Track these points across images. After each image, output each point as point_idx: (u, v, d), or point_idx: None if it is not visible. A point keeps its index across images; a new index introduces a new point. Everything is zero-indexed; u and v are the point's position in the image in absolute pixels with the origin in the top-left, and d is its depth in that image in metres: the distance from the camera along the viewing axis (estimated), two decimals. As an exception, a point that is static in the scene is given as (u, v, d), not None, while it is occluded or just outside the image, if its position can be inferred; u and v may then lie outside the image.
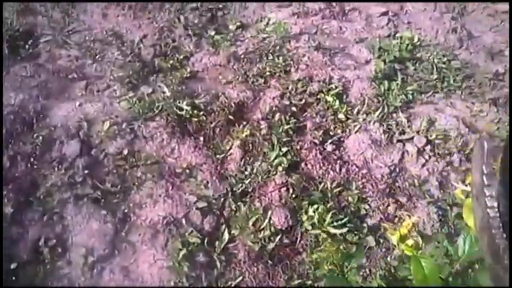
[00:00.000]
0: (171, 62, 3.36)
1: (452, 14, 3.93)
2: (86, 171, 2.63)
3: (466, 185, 0.91)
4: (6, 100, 2.96)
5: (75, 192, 2.55)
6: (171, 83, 3.22)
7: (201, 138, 2.88)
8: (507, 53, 3.63)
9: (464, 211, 0.95)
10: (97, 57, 3.37)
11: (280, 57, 3.40)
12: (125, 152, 2.75)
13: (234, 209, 2.50)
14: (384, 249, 2.33)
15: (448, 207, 2.50)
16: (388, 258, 2.29)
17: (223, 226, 2.44)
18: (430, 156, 2.77)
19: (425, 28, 3.78)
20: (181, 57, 3.42)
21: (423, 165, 2.72)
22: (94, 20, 3.70)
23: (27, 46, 3.41)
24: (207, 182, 2.63)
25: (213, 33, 3.57)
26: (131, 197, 2.59)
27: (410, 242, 1.04)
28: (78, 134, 2.82)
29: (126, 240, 2.42)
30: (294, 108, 3.05)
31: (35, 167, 2.65)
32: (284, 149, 2.76)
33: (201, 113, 2.98)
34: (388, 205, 2.48)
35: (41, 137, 2.78)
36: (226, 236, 2.38)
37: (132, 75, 3.22)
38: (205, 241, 2.37)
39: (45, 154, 2.72)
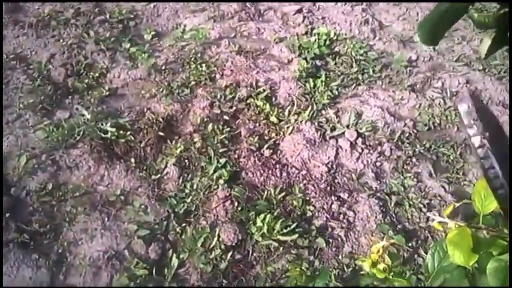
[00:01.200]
0: (86, 81, 3.13)
1: (361, 6, 4.08)
2: (8, 214, 2.35)
3: (444, 217, 0.90)
4: None
5: (-2, 240, 2.28)
6: (89, 104, 3.00)
7: (132, 160, 2.71)
8: (416, 39, 3.84)
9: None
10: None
11: (203, 65, 3.31)
12: (49, 186, 2.52)
13: (179, 231, 2.38)
14: (334, 249, 2.36)
15: (387, 197, 2.59)
16: (340, 257, 2.32)
17: (170, 251, 2.31)
18: (362, 149, 2.85)
19: (339, 22, 3.89)
20: (97, 74, 3.20)
21: (358, 159, 2.79)
22: (-9, 42, 3.33)
23: None
24: (146, 207, 2.48)
25: (128, 45, 3.37)
26: (64, 234, 2.37)
27: (381, 266, 1.03)
28: (-9, 174, 2.52)
29: (66, 284, 2.20)
30: (225, 117, 2.98)
31: None
32: (222, 161, 2.68)
33: (128, 133, 2.81)
34: (332, 203, 2.51)
35: None
36: (175, 261, 2.26)
37: (45, 101, 2.95)
38: (154, 271, 2.23)
39: (-47, 202, 2.39)
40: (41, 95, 2.98)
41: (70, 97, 3.05)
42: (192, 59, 3.35)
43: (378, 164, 2.81)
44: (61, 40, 3.37)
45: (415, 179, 2.71)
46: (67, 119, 2.87)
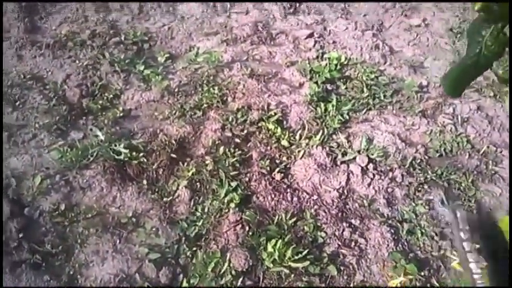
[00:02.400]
0: (101, 102, 3.17)
1: (372, 31, 4.13)
2: (21, 235, 2.37)
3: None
4: None
5: (11, 259, 2.29)
6: (103, 125, 3.04)
7: (144, 182, 2.73)
8: (426, 64, 3.88)
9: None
10: (17, 104, 3.09)
11: (216, 87, 3.35)
12: (62, 207, 2.54)
13: (190, 255, 2.39)
14: (345, 277, 2.34)
15: (399, 224, 2.58)
16: (351, 285, 2.30)
17: (181, 276, 2.31)
18: (374, 175, 2.85)
19: (350, 47, 3.93)
20: (111, 95, 3.25)
21: (369, 185, 2.79)
22: (8, 63, 3.40)
23: None
24: (157, 230, 2.49)
25: (142, 67, 3.43)
26: (76, 256, 2.38)
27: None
28: (7, 193, 2.55)
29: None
30: (237, 140, 3.01)
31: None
32: (233, 184, 2.69)
33: (141, 154, 2.83)
34: (343, 230, 2.50)
35: (-40, 203, 2.48)
36: (185, 286, 2.25)
37: (59, 121, 3.00)
38: (164, 295, 2.23)
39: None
40: (56, 115, 3.02)
41: (84, 118, 3.09)
42: (205, 82, 3.40)
43: (390, 190, 2.80)
44: (77, 61, 3.43)
45: (427, 206, 2.70)
46: (81, 140, 2.91)
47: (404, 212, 2.67)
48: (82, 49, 3.54)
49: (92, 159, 2.76)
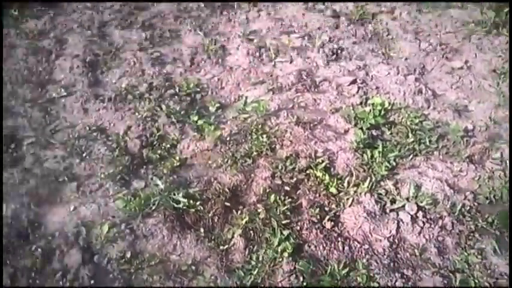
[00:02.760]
0: (159, 151, 3.41)
1: (414, 75, 4.23)
2: (92, 281, 2.58)
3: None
4: (-4, 212, 2.91)
5: (83, 307, 2.49)
6: (162, 174, 3.26)
7: (201, 230, 2.90)
8: (471, 108, 3.92)
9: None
10: (84, 155, 3.37)
11: (264, 136, 3.53)
12: (128, 254, 2.73)
13: (248, 304, 2.51)
14: (399, 327, 2.39)
15: (451, 275, 2.61)
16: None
17: (240, 324, 2.43)
18: (423, 223, 2.90)
19: (392, 92, 4.04)
20: (168, 145, 3.48)
21: (419, 233, 2.85)
22: (75, 116, 3.72)
23: (10, 150, 3.37)
24: (216, 278, 2.64)
25: (195, 118, 3.66)
26: (141, 303, 2.55)
27: None
28: (78, 241, 2.78)
29: None
30: (286, 187, 3.15)
31: (37, 282, 2.58)
32: (285, 232, 2.82)
33: (197, 203, 3.02)
34: (396, 280, 2.56)
35: (39, 249, 2.73)
36: (244, 334, 2.37)
37: (123, 171, 3.24)
38: None
39: (46, 267, 2.66)
40: (119, 165, 3.27)
41: (145, 167, 3.33)
42: (254, 130, 3.58)
43: (440, 238, 2.84)
44: (136, 113, 3.71)
45: (479, 256, 2.72)
46: (143, 189, 3.13)
47: (456, 261, 2.70)
48: (141, 101, 3.82)
49: (153, 208, 2.97)
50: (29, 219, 2.92)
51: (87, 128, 3.59)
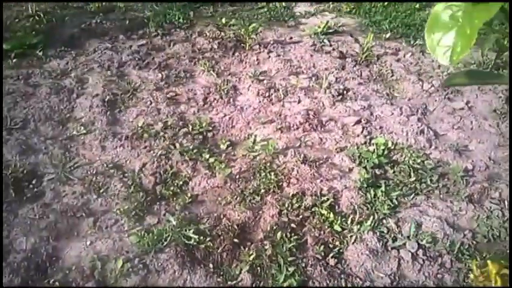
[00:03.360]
0: (172, 188, 3.59)
1: (417, 116, 4.41)
2: (106, 315, 2.72)
3: None
4: (17, 246, 3.09)
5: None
6: (174, 210, 3.43)
7: (211, 265, 3.05)
8: (471, 147, 4.07)
9: None
10: (101, 191, 3.57)
11: (272, 173, 3.70)
12: (140, 288, 2.88)
13: (254, 338, 2.62)
14: None
15: (450, 313, 2.72)
16: None
17: None
18: (423, 260, 3.01)
19: (396, 132, 4.21)
20: (181, 182, 3.67)
21: (419, 270, 2.96)
22: (93, 153, 3.94)
23: (31, 186, 3.59)
24: (224, 312, 2.76)
25: (207, 156, 3.85)
26: (152, 336, 2.68)
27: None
28: (93, 275, 2.94)
29: None
30: (293, 225, 3.29)
31: (54, 315, 2.73)
32: (291, 269, 2.95)
33: (207, 239, 3.17)
34: (396, 318, 2.67)
35: (57, 282, 2.89)
36: None
37: (137, 207, 3.42)
38: None
39: (62, 300, 2.81)
40: (134, 201, 3.45)
41: (158, 203, 3.50)
42: (262, 168, 3.76)
43: (439, 276, 2.95)
44: (151, 151, 3.93)
45: (477, 294, 2.82)
46: (156, 225, 3.30)
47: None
48: (156, 139, 4.04)
49: (165, 243, 3.13)
50: (48, 253, 3.09)
51: (105, 165, 3.80)
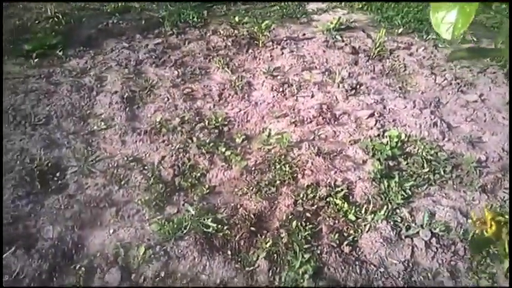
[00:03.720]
0: (190, 180, 3.71)
1: (430, 109, 4.46)
2: (129, 300, 2.84)
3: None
4: (44, 234, 3.24)
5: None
6: (193, 200, 3.54)
7: (229, 252, 3.15)
8: (485, 139, 4.11)
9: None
10: (122, 182, 3.69)
11: (287, 166, 3.79)
12: (162, 274, 2.99)
13: (272, 321, 2.72)
14: None
15: (463, 298, 2.78)
16: None
17: None
18: (437, 248, 3.08)
19: (409, 124, 4.27)
20: (199, 174, 3.78)
21: (433, 258, 3.02)
22: (114, 147, 4.08)
23: (55, 178, 3.73)
24: (242, 297, 2.86)
25: (223, 149, 3.96)
26: (173, 319, 2.79)
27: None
28: (117, 261, 3.07)
29: None
30: (308, 214, 3.38)
31: (80, 298, 2.86)
32: (306, 256, 3.04)
33: (225, 227, 3.28)
34: (410, 301, 2.74)
35: (82, 268, 3.02)
36: None
37: (157, 197, 3.54)
38: None
39: (88, 284, 2.94)
40: (154, 192, 3.57)
41: (177, 194, 3.62)
42: (277, 161, 3.85)
43: (453, 263, 3.01)
44: (170, 145, 4.05)
45: (490, 280, 2.87)
46: (175, 214, 3.41)
47: (468, 285, 2.86)
48: (173, 134, 4.16)
49: (185, 231, 3.24)
50: (73, 241, 3.23)
51: (125, 158, 3.93)
